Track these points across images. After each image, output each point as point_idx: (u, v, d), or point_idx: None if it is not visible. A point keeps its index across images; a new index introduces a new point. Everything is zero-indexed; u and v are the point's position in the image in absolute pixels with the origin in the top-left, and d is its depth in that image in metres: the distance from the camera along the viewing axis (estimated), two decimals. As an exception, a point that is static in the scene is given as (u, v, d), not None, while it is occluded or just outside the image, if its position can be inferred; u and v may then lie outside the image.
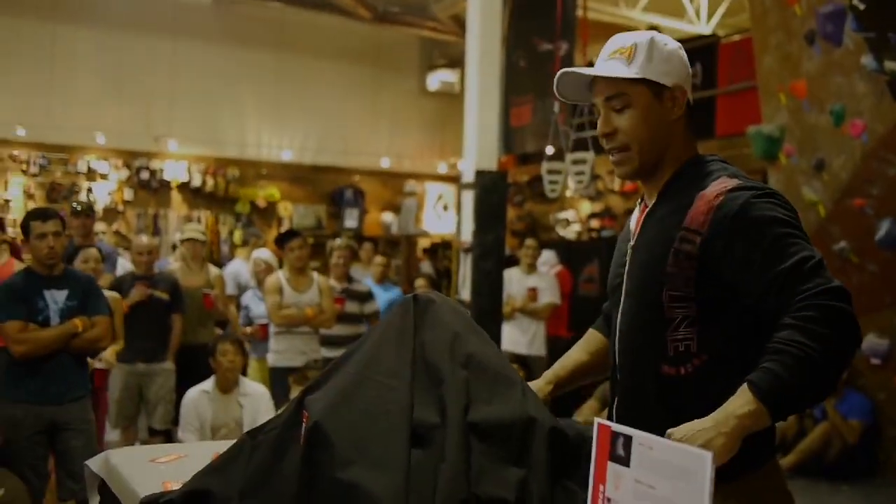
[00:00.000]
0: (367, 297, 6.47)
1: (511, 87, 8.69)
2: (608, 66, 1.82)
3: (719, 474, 1.52)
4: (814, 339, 1.48)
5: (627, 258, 1.87)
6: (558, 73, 1.90)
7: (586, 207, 11.03)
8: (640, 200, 1.98)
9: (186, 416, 5.05)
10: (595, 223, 10.67)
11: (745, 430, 1.46)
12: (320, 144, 12.59)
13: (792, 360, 1.47)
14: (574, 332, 8.52)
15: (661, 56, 1.81)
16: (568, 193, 10.72)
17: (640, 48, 1.80)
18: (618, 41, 1.86)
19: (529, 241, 7.50)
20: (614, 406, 1.87)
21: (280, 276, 5.89)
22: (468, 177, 6.77)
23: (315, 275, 6.02)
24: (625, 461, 1.03)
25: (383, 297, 7.21)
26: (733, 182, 1.71)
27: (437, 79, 13.23)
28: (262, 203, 12.28)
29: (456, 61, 13.08)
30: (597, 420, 1.07)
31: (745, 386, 1.49)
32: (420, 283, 8.55)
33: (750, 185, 1.71)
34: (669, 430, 1.45)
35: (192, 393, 5.10)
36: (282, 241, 6.02)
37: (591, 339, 2.17)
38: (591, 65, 2.06)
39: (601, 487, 1.08)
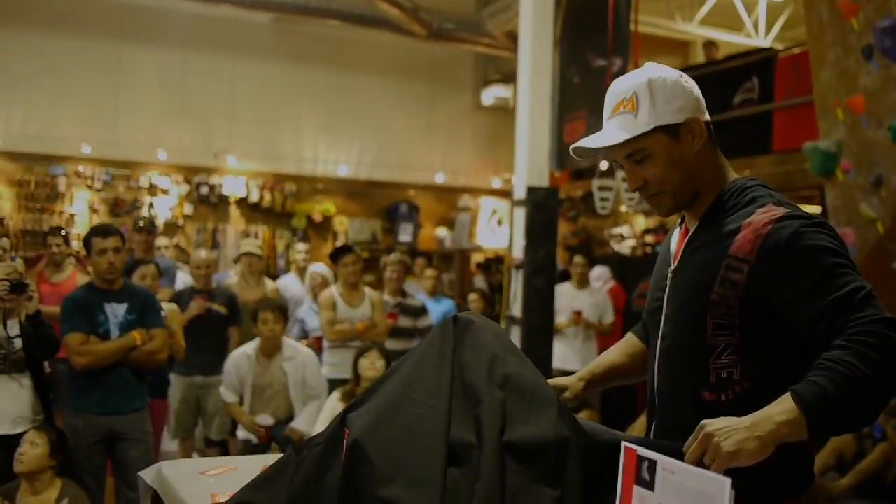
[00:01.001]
0: (421, 311, 6.53)
1: (565, 103, 8.68)
2: (615, 128, 1.80)
3: (757, 501, 1.52)
4: (865, 362, 1.46)
5: (668, 282, 1.86)
6: (571, 148, 1.89)
7: (641, 223, 10.95)
8: (680, 221, 1.96)
9: (227, 376, 5.23)
10: (650, 238, 10.58)
11: (781, 437, 1.44)
12: (376, 159, 12.73)
13: (840, 378, 1.45)
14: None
15: (665, 96, 1.77)
16: (622, 209, 10.66)
17: (640, 95, 1.77)
18: (617, 92, 1.83)
19: (578, 259, 7.50)
20: (652, 430, 1.87)
21: (334, 290, 5.99)
22: (520, 193, 6.78)
23: (367, 290, 6.10)
24: (650, 485, 1.05)
25: (436, 310, 7.27)
26: (781, 210, 1.69)
27: (492, 94, 13.27)
28: (318, 217, 12.44)
29: (510, 77, 13.09)
30: (623, 443, 1.09)
31: (788, 394, 1.48)
32: (473, 297, 8.59)
33: (798, 213, 1.69)
34: (703, 421, 1.45)
35: (235, 354, 5.26)
36: (336, 256, 6.12)
37: (629, 342, 2.19)
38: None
39: (627, 510, 1.10)
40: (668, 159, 1.78)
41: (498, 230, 13.49)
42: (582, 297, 7.32)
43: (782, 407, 1.47)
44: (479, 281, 12.09)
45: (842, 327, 1.53)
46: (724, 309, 1.69)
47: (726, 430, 1.41)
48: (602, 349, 7.52)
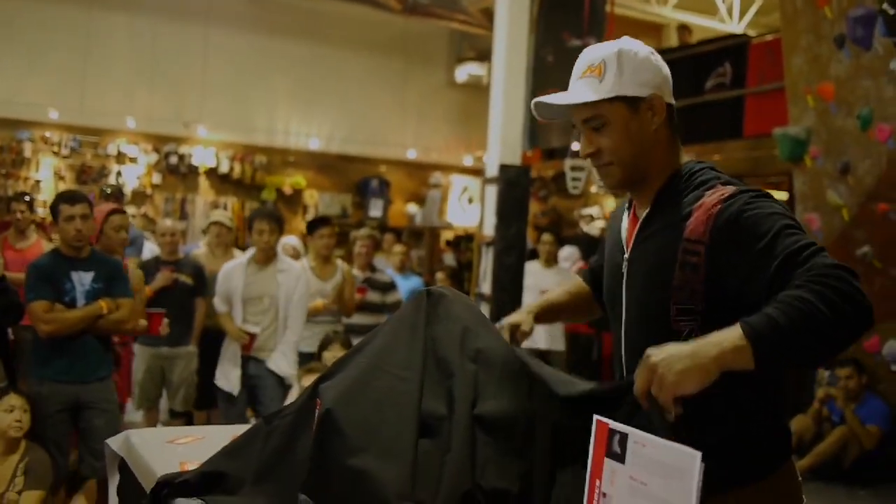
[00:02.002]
0: (390, 287, 6.52)
1: (538, 82, 8.68)
2: (579, 89, 1.80)
3: (733, 479, 1.53)
4: (821, 299, 1.43)
5: (624, 271, 1.85)
6: (532, 102, 1.88)
7: (611, 204, 11.01)
8: (627, 205, 1.95)
9: (219, 286, 5.25)
10: (619, 220, 10.65)
11: (725, 365, 1.41)
12: (348, 134, 12.67)
13: (794, 313, 1.42)
14: (594, 327, 8.54)
15: (632, 67, 1.78)
16: (593, 189, 10.70)
17: (609, 63, 1.77)
18: (587, 57, 1.83)
19: (546, 237, 7.52)
20: None
21: (305, 263, 5.96)
22: (492, 171, 6.79)
23: (340, 262, 6.08)
24: (621, 458, 1.07)
25: (404, 286, 7.26)
26: (729, 189, 1.69)
27: (466, 71, 13.24)
28: (288, 191, 12.37)
29: (485, 54, 13.05)
30: (595, 417, 1.11)
31: (738, 323, 1.46)
32: (440, 275, 8.60)
33: (744, 189, 1.70)
34: (648, 351, 1.45)
35: (229, 264, 5.30)
36: (312, 227, 6.09)
37: (573, 283, 2.28)
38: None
39: (597, 483, 1.12)
40: (625, 131, 1.78)
41: (468, 208, 13.50)
42: (549, 276, 7.35)
43: (729, 334, 1.44)
44: (449, 258, 12.11)
45: (801, 272, 1.50)
46: (686, 294, 1.68)
47: (669, 359, 1.41)
48: (569, 328, 7.60)
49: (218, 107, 11.81)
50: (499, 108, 7.09)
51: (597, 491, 1.12)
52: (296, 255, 6.64)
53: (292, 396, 4.91)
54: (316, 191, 12.62)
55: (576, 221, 11.11)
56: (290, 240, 7.17)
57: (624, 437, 1.07)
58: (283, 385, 5.11)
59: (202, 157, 11.86)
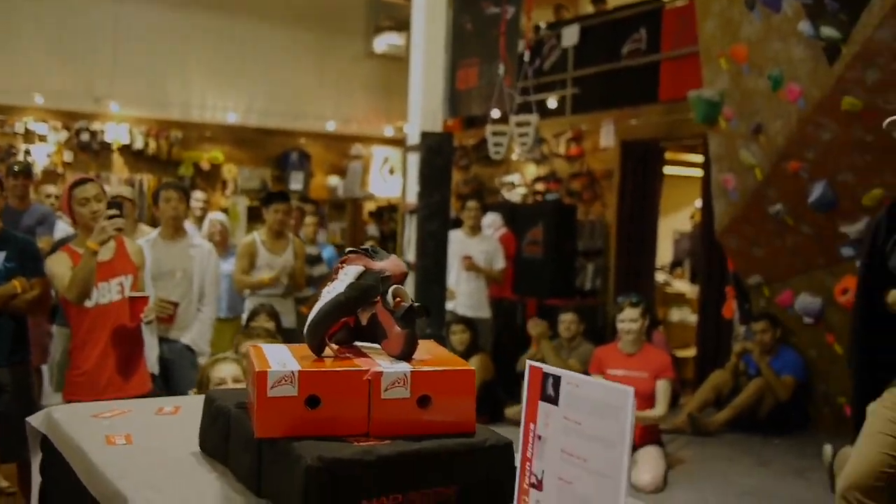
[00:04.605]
0: (316, 259, 6.51)
1: (457, 50, 8.68)
2: None
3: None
4: None
5: None
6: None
7: (532, 171, 11.09)
8: None
9: None
10: (540, 186, 10.73)
11: None
12: (266, 107, 12.45)
13: None
14: (518, 294, 8.63)
15: None
16: (513, 157, 10.77)
17: None
18: None
19: (471, 203, 7.56)
20: None
21: (256, 237, 5.89)
22: (413, 138, 6.77)
23: (291, 237, 6.04)
24: (554, 400, 1.08)
25: (318, 256, 7.25)
26: None
27: (384, 41, 13.14)
28: (205, 166, 12.13)
29: (403, 24, 12.96)
30: (528, 362, 1.12)
31: None
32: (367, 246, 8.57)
33: None
34: None
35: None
36: (268, 200, 5.99)
37: None
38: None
39: (532, 426, 1.13)
40: None
41: (390, 179, 13.45)
42: (473, 244, 7.40)
43: None
44: (372, 229, 12.08)
45: None
46: None
47: None
48: (493, 295, 7.68)
49: (130, 81, 11.46)
50: (419, 76, 7.07)
51: (531, 434, 1.13)
52: (223, 232, 6.54)
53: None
54: (234, 165, 12.41)
55: (497, 189, 11.18)
56: (217, 215, 7.04)
57: (557, 380, 1.08)
58: (195, 367, 4.96)
59: (115, 133, 11.53)
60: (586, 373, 6.79)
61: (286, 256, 5.84)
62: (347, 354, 1.71)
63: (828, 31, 5.05)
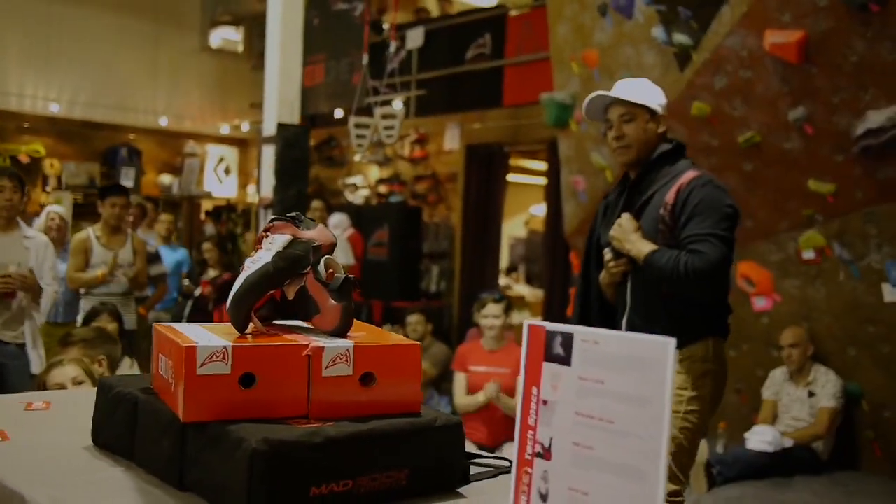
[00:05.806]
0: (155, 258, 6.15)
1: (305, 47, 8.48)
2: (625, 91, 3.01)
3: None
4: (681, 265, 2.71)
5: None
6: (593, 96, 3.02)
7: (375, 173, 11.02)
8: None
9: None
10: (384, 189, 10.68)
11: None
12: (93, 99, 11.71)
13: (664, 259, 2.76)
14: (364, 296, 8.51)
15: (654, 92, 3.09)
16: (356, 159, 10.66)
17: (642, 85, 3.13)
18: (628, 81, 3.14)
19: (316, 203, 7.43)
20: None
21: (90, 232, 5.46)
22: (269, 130, 6.53)
23: (130, 232, 5.64)
24: (565, 360, 0.99)
25: (171, 257, 6.89)
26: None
27: (220, 36, 12.70)
28: (24, 159, 11.25)
29: (240, 18, 12.58)
30: (526, 322, 1.03)
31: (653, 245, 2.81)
32: (207, 245, 8.23)
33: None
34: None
35: None
36: (104, 193, 5.56)
37: None
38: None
39: (534, 390, 1.04)
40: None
41: (226, 179, 13.00)
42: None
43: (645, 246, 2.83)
44: (210, 228, 11.62)
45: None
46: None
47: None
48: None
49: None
50: (275, 67, 6.84)
51: (534, 399, 1.04)
52: (62, 225, 6.07)
53: (35, 367, 4.46)
54: (58, 160, 11.58)
55: (339, 190, 11.03)
56: (56, 208, 6.53)
57: (568, 337, 0.99)
58: (28, 370, 4.56)
59: (-81, 121, 10.54)
60: (441, 375, 6.77)
61: (124, 253, 5.48)
62: (275, 331, 1.56)
63: (680, 38, 5.26)
